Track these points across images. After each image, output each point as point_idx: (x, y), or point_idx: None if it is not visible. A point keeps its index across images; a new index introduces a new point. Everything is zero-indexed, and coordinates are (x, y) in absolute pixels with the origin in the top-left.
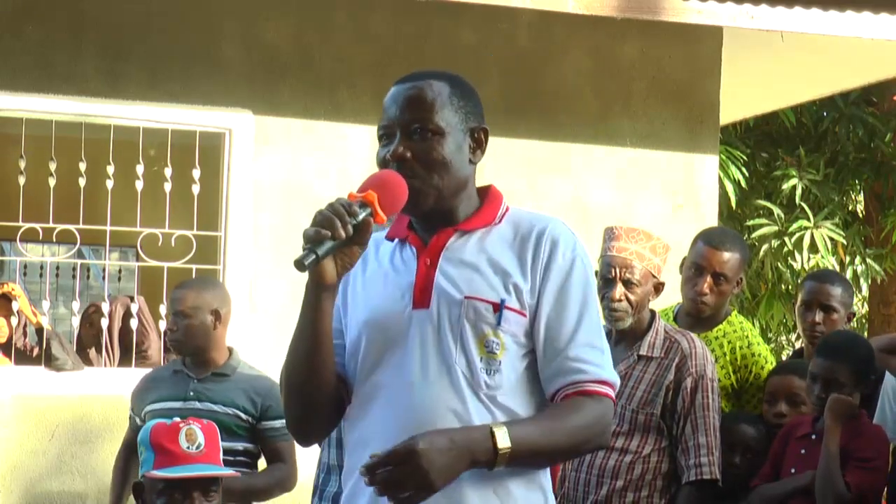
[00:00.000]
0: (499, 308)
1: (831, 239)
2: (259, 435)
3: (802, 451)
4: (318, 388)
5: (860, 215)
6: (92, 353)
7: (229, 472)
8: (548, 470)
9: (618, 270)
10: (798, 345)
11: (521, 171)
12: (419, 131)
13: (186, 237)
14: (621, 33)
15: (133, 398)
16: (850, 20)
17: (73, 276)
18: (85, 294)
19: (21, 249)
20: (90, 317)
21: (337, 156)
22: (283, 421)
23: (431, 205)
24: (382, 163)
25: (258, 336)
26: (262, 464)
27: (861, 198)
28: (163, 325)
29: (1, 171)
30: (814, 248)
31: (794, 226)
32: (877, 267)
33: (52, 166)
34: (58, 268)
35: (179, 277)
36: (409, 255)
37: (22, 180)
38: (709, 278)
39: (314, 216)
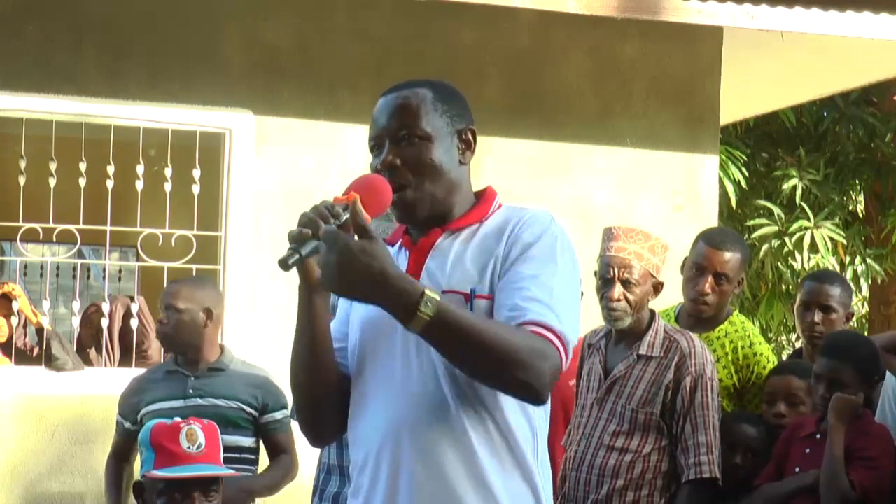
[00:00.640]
0: (469, 298)
1: (831, 239)
2: (261, 429)
3: (807, 451)
4: (324, 388)
5: (860, 215)
6: (92, 353)
7: (229, 472)
8: (546, 470)
9: (616, 270)
10: (798, 345)
11: (521, 171)
12: (407, 138)
13: (187, 237)
14: (621, 33)
15: (122, 402)
16: (850, 20)
17: (74, 277)
18: (85, 294)
19: (21, 249)
20: (90, 317)
21: (337, 156)
22: (283, 412)
23: (427, 211)
24: (374, 173)
25: (258, 336)
26: (262, 462)
27: (861, 198)
28: None
29: (1, 171)
30: (814, 249)
31: (795, 226)
32: (877, 267)
33: (53, 166)
34: (58, 268)
35: (179, 277)
36: (402, 257)
37: (22, 180)
38: (710, 278)
39: (299, 217)
